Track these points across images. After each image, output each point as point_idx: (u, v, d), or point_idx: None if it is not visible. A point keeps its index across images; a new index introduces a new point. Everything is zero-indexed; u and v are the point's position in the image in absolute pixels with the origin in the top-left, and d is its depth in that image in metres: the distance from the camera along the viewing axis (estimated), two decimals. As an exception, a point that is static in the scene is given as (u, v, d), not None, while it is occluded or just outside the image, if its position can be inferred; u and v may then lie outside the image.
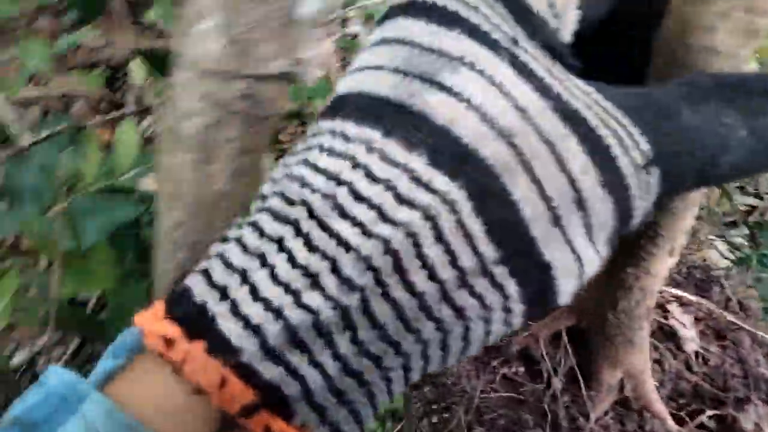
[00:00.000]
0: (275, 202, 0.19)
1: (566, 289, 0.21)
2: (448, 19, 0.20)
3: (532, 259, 0.19)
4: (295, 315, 0.18)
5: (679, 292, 0.47)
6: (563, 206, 0.19)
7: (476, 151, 0.18)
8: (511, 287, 0.19)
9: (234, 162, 0.33)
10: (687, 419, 0.45)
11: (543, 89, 0.19)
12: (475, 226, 0.18)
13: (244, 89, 0.31)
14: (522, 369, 0.48)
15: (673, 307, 0.46)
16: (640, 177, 0.20)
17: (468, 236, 0.18)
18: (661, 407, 0.44)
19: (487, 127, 0.18)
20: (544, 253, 0.19)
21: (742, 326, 0.46)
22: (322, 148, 0.19)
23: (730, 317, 0.46)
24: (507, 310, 0.20)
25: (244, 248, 0.19)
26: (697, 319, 0.47)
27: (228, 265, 0.19)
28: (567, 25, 0.22)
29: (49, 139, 0.62)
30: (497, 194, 0.18)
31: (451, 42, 0.19)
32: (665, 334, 0.47)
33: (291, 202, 0.19)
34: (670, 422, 0.44)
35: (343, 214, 0.18)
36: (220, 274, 0.19)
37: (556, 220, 0.19)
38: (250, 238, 0.19)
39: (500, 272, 0.19)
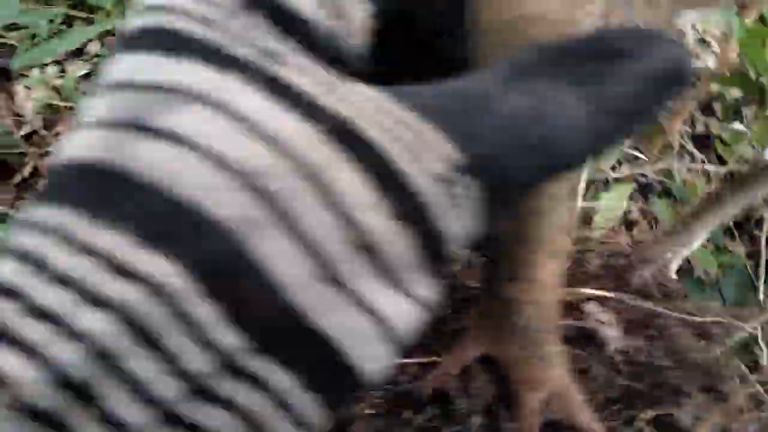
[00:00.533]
0: None
1: (369, 356, 0.17)
2: (177, 45, 0.16)
3: (301, 335, 0.16)
4: None
5: (592, 291, 0.41)
6: (341, 257, 0.16)
7: (206, 211, 0.15)
8: (279, 376, 0.16)
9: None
10: (623, 427, 0.39)
11: (309, 111, 0.16)
12: (206, 314, 0.15)
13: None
14: (437, 412, 0.42)
15: (590, 306, 0.40)
16: (447, 190, 0.17)
17: (198, 329, 0.14)
18: (591, 422, 0.39)
19: (221, 176, 0.15)
20: (317, 324, 0.16)
21: (667, 312, 0.40)
22: (11, 250, 0.16)
23: (654, 305, 0.41)
24: (287, 406, 0.16)
25: None
26: (618, 313, 0.42)
27: None
28: (353, 24, 0.18)
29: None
30: (238, 264, 0.15)
31: (178, 73, 0.16)
32: (585, 338, 0.41)
33: None
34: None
35: (14, 341, 0.14)
36: None
37: (332, 278, 0.16)
38: None
39: (258, 363, 0.15)
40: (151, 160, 0.15)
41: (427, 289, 0.18)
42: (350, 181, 0.16)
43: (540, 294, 0.33)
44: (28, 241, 0.16)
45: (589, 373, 0.41)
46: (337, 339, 0.16)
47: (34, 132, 1.57)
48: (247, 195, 0.15)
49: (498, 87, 0.18)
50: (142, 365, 0.14)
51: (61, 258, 0.15)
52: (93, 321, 0.14)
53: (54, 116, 1.52)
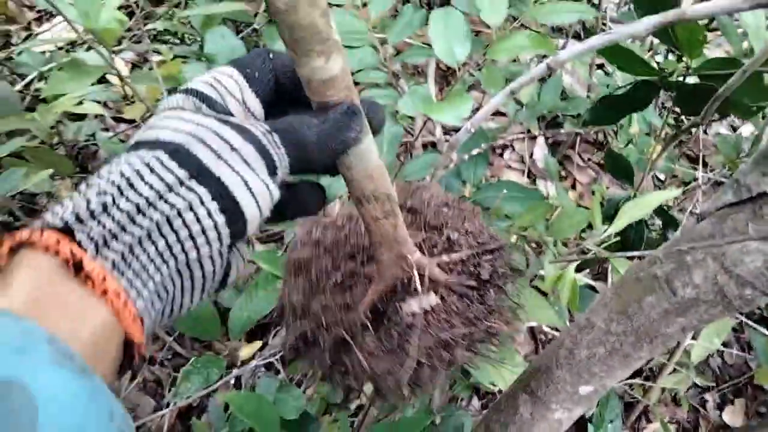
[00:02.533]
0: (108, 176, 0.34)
1: (245, 200, 0.34)
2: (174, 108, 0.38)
3: (211, 177, 0.33)
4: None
5: None
6: (225, 152, 0.34)
7: (167, 139, 0.35)
8: (199, 188, 0.33)
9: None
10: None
11: (211, 115, 0.37)
12: (170, 163, 0.33)
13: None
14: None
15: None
16: (267, 137, 0.36)
17: (166, 168, 0.33)
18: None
19: (170, 131, 0.35)
20: (213, 172, 0.33)
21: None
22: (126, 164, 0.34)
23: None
24: (205, 229, 0.33)
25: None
26: None
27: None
28: (249, 100, 0.40)
29: None
30: (182, 151, 0.34)
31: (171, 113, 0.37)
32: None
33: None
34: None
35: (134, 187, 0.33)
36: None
37: (220, 157, 0.34)
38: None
39: (191, 183, 0.33)
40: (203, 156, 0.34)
41: (274, 186, 0.35)
42: (240, 143, 0.35)
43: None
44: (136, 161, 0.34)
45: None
46: (231, 186, 0.33)
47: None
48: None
49: (301, 120, 0.37)
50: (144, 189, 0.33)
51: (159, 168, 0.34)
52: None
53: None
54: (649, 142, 1.14)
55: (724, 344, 1.19)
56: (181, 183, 0.33)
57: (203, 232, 0.33)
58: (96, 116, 1.50)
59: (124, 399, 1.25)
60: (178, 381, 1.00)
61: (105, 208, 0.31)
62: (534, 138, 1.89)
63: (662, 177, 1.68)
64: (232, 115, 0.38)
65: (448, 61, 0.80)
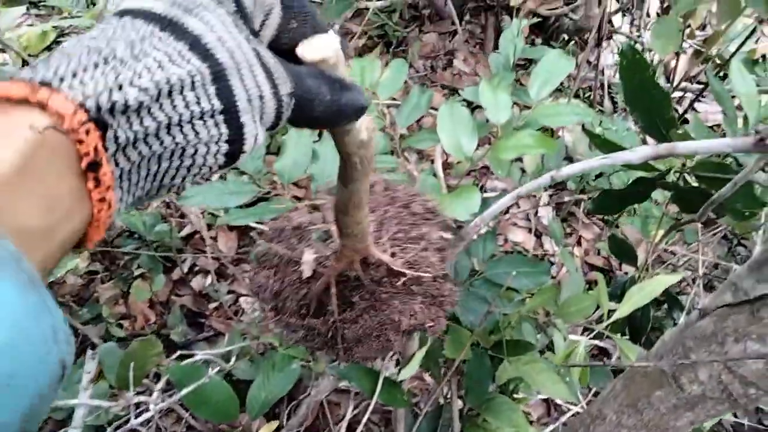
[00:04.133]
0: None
1: (248, 148, 0.34)
2: None
3: (236, 122, 0.33)
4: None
5: None
6: (255, 96, 0.33)
7: (215, 53, 0.31)
8: (223, 127, 0.32)
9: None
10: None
11: (247, 37, 0.33)
12: (210, 88, 0.31)
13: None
14: None
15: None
16: (287, 100, 0.35)
17: (204, 88, 0.31)
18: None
19: (219, 43, 0.32)
20: (241, 117, 0.33)
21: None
22: (119, 28, 0.31)
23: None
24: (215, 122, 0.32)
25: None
26: None
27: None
28: (269, 27, 0.38)
29: None
30: (223, 78, 0.31)
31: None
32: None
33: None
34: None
35: (137, 59, 0.30)
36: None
37: (250, 103, 0.33)
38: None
39: (219, 117, 0.32)
40: (194, 24, 0.31)
41: (262, 132, 0.35)
42: (258, 68, 0.33)
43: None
44: (128, 26, 0.31)
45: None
46: (247, 134, 0.33)
47: (195, 233, 1.88)
48: (226, 53, 0.32)
49: (302, 72, 0.36)
50: (180, 96, 0.31)
51: (155, 40, 0.30)
52: (177, 70, 0.30)
53: (212, 221, 1.82)
54: (648, 225, 1.18)
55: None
56: (213, 114, 0.32)
57: (204, 165, 0.33)
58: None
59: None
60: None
61: (139, 108, 0.29)
62: (538, 196, 1.93)
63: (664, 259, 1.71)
64: (256, 37, 0.36)
65: (456, 155, 0.84)
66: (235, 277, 1.74)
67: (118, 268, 1.79)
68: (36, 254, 0.26)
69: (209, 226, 1.84)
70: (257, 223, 1.85)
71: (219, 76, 0.31)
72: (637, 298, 0.78)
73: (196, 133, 0.32)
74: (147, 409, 0.88)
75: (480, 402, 1.05)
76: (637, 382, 0.65)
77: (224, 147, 0.33)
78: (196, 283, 1.78)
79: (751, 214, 0.68)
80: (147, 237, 1.69)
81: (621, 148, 0.79)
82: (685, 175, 0.73)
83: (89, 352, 0.82)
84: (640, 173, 0.76)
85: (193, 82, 0.31)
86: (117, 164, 0.30)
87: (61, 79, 0.28)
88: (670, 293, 0.92)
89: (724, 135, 1.41)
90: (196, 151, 0.32)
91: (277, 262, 0.65)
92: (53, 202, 0.27)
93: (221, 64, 0.32)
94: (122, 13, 0.32)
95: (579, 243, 1.94)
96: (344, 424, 1.18)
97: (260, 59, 0.34)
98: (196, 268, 1.83)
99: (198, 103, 0.31)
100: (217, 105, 0.32)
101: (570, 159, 1.76)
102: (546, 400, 1.50)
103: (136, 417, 0.81)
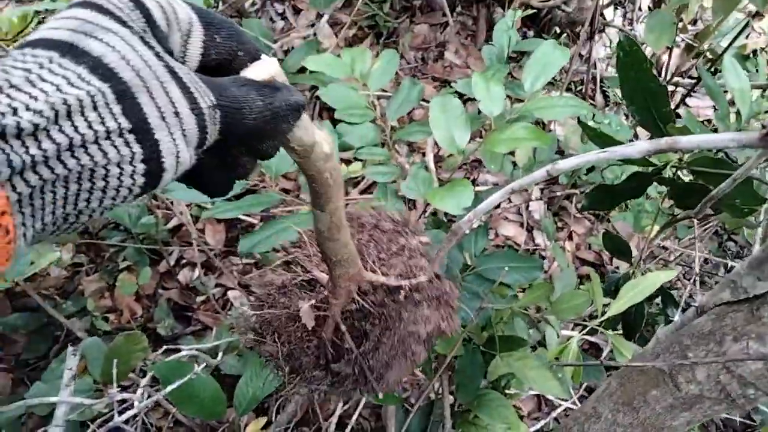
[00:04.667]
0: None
1: (169, 169, 0.33)
2: (104, 10, 0.33)
3: (150, 138, 0.32)
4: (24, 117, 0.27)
5: None
6: (169, 113, 0.32)
7: (118, 72, 0.31)
8: (135, 146, 0.31)
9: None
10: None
11: (157, 54, 0.33)
12: (115, 107, 0.30)
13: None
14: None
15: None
16: (210, 113, 0.34)
17: (108, 107, 0.30)
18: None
19: (124, 62, 0.31)
20: (155, 134, 0.32)
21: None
22: (18, 60, 0.30)
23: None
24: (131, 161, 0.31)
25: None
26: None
27: None
28: (192, 49, 0.37)
29: None
30: (129, 97, 0.31)
31: (104, 20, 0.32)
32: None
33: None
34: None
35: (33, 84, 0.29)
36: None
37: (164, 119, 0.32)
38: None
39: (129, 137, 0.31)
40: (95, 46, 0.30)
41: (193, 155, 0.34)
42: (173, 86, 0.32)
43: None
44: (29, 59, 0.30)
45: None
46: (165, 153, 0.32)
47: (182, 225, 1.85)
48: (133, 73, 0.31)
49: (229, 84, 0.36)
50: (79, 120, 0.29)
51: (53, 65, 0.29)
52: (74, 91, 0.29)
53: (199, 213, 1.79)
54: (645, 206, 1.17)
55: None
56: (121, 134, 0.31)
57: (120, 187, 0.32)
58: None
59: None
60: (183, 459, 1.00)
61: (35, 131, 0.28)
62: (530, 191, 1.92)
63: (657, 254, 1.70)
64: (172, 56, 0.35)
65: (449, 149, 0.82)
66: (222, 271, 1.72)
67: (103, 260, 1.76)
68: None
69: (196, 219, 1.81)
70: (245, 215, 1.83)
71: (124, 95, 0.31)
72: (632, 294, 0.77)
73: (104, 153, 0.30)
74: (132, 406, 0.86)
75: (471, 398, 1.04)
76: (633, 380, 0.64)
77: (141, 167, 0.32)
78: (183, 276, 1.76)
79: (750, 210, 0.67)
80: (133, 229, 1.66)
81: (616, 142, 0.78)
82: (680, 171, 0.72)
83: (70, 348, 0.80)
84: (635, 168, 0.74)
85: (94, 103, 0.30)
86: (14, 188, 0.28)
87: None
88: (664, 289, 0.91)
89: (715, 130, 1.40)
90: (107, 172, 0.31)
91: (277, 326, 0.63)
92: None
93: (125, 83, 0.31)
94: (23, 45, 0.31)
95: (570, 237, 1.93)
96: (334, 419, 1.16)
97: (173, 75, 0.33)
98: (183, 261, 1.80)
99: (102, 122, 0.30)
100: (125, 123, 0.31)
101: (562, 153, 1.75)
102: (537, 396, 1.49)
103: (120, 414, 0.79)
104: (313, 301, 0.61)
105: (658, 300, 1.00)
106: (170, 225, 1.84)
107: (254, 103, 0.36)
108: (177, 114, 0.33)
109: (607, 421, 0.66)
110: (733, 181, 0.57)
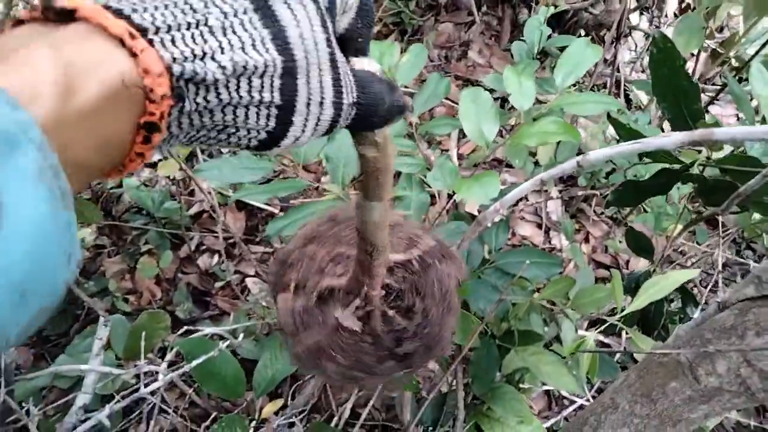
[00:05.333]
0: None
1: (296, 122, 0.33)
2: None
3: (288, 116, 0.33)
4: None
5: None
6: (315, 101, 0.33)
7: (292, 49, 0.31)
8: (272, 121, 0.33)
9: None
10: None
11: (328, 39, 0.33)
12: (277, 81, 0.31)
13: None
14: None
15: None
16: (348, 110, 0.35)
17: (272, 79, 0.31)
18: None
19: (300, 40, 0.31)
20: (293, 117, 0.33)
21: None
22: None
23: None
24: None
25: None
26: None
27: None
28: (338, 28, 0.36)
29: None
30: (292, 76, 0.31)
31: None
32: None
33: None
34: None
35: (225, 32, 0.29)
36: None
37: (308, 106, 0.33)
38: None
39: (273, 111, 0.32)
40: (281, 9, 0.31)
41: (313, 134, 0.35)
42: (327, 67, 0.33)
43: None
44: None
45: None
46: (295, 121, 0.33)
47: (203, 212, 1.88)
48: (300, 43, 0.31)
49: (371, 78, 0.36)
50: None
51: (245, 18, 0.30)
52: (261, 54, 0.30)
53: (221, 201, 1.82)
54: (662, 219, 1.17)
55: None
56: (269, 108, 0.32)
57: (239, 143, 0.33)
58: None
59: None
60: (201, 436, 1.02)
61: (214, 84, 0.29)
62: (548, 191, 1.93)
63: (680, 253, 1.70)
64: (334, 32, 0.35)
65: (477, 141, 0.83)
66: (242, 257, 1.74)
67: (125, 243, 1.79)
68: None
69: (215, 206, 1.84)
70: (266, 204, 1.85)
71: (288, 73, 0.31)
72: (652, 291, 0.78)
73: (246, 118, 0.32)
74: (155, 380, 0.88)
75: (486, 390, 1.05)
76: (652, 372, 0.65)
77: (263, 136, 0.33)
78: (203, 262, 1.78)
79: (778, 207, 0.67)
80: (155, 214, 1.69)
81: (645, 138, 0.78)
82: (708, 168, 0.73)
83: (102, 319, 0.82)
84: (661, 165, 0.75)
85: (264, 71, 0.30)
86: (168, 128, 0.30)
87: (157, 30, 0.28)
88: (685, 288, 0.91)
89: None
90: (236, 131, 0.32)
91: (326, 343, 0.63)
92: (105, 145, 0.27)
93: (294, 62, 0.31)
94: None
95: (587, 240, 1.94)
96: (348, 405, 1.18)
97: (333, 64, 0.33)
98: (203, 247, 1.83)
99: (261, 91, 0.31)
100: (277, 99, 0.32)
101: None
102: (548, 394, 1.50)
103: (146, 387, 0.82)
104: (345, 306, 0.62)
105: (678, 304, 1.00)
106: (192, 211, 1.87)
107: (385, 103, 0.37)
108: (321, 104, 0.33)
109: (624, 411, 0.67)
110: (763, 178, 0.57)
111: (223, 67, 0.29)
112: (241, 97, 0.31)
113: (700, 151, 0.73)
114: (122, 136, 0.28)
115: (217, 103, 0.30)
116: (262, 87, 0.31)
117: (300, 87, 0.32)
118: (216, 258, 1.77)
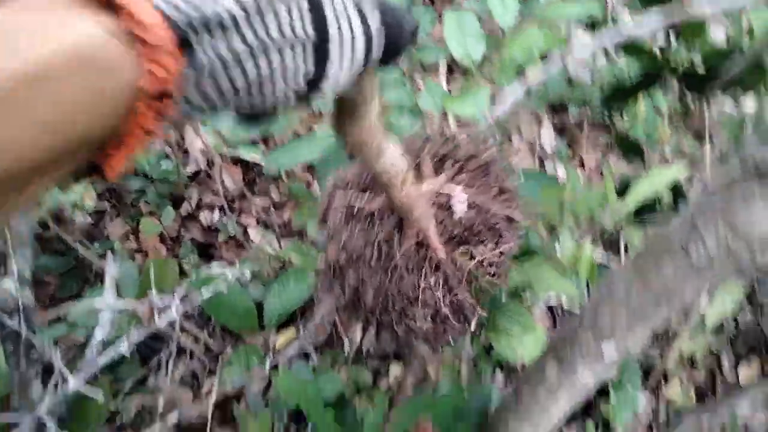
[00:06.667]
0: None
1: (330, 85, 0.34)
2: None
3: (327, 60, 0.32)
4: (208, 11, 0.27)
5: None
6: (342, 15, 0.32)
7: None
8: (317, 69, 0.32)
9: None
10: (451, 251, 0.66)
11: None
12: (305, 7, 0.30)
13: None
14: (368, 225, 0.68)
15: (451, 187, 0.66)
16: (378, 35, 0.34)
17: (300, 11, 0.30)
18: (438, 245, 0.64)
19: None
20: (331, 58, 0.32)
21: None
22: None
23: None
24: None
25: None
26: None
27: None
28: None
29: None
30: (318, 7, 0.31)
31: None
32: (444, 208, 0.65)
33: None
34: (442, 252, 0.64)
35: None
36: None
37: (335, 5, 0.32)
38: None
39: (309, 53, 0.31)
40: None
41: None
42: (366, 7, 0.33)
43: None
44: None
45: (442, 225, 0.66)
46: (331, 72, 0.33)
47: (198, 172, 1.89)
48: None
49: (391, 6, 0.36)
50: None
51: None
52: None
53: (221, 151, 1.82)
54: (656, 120, 1.19)
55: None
56: (303, 47, 0.30)
57: (273, 100, 0.32)
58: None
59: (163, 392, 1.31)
60: (218, 369, 1.06)
61: (236, 24, 0.28)
62: (540, 122, 1.94)
63: (669, 158, 1.72)
64: None
65: (464, 61, 0.84)
66: (242, 210, 1.77)
67: (125, 206, 1.81)
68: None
69: (211, 163, 1.85)
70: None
71: (314, 5, 0.31)
72: (644, 188, 0.80)
73: (283, 61, 0.30)
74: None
75: (493, 307, 1.09)
76: (645, 253, 0.68)
77: (302, 85, 0.32)
78: (204, 218, 1.81)
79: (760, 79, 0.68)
80: (152, 175, 1.71)
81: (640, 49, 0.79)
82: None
83: (110, 255, 0.85)
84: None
85: (290, 6, 0.30)
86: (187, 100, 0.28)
87: None
88: (676, 186, 0.94)
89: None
90: (273, 85, 0.30)
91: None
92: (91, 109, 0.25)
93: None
94: None
95: (582, 167, 1.96)
96: (357, 336, 1.22)
97: None
98: (204, 204, 1.85)
99: (293, 27, 0.30)
100: (311, 32, 0.31)
101: (569, 82, 1.75)
102: (551, 311, 1.54)
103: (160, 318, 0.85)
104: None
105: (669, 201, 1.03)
106: (189, 170, 1.88)
107: (408, 21, 0.36)
108: (353, 34, 0.32)
109: (621, 294, 0.70)
110: (744, 59, 0.59)
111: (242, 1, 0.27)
112: (272, 38, 0.29)
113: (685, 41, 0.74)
114: (107, 103, 0.24)
115: (245, 49, 0.28)
116: (292, 21, 0.29)
117: (327, 13, 0.31)
118: (217, 213, 1.79)
